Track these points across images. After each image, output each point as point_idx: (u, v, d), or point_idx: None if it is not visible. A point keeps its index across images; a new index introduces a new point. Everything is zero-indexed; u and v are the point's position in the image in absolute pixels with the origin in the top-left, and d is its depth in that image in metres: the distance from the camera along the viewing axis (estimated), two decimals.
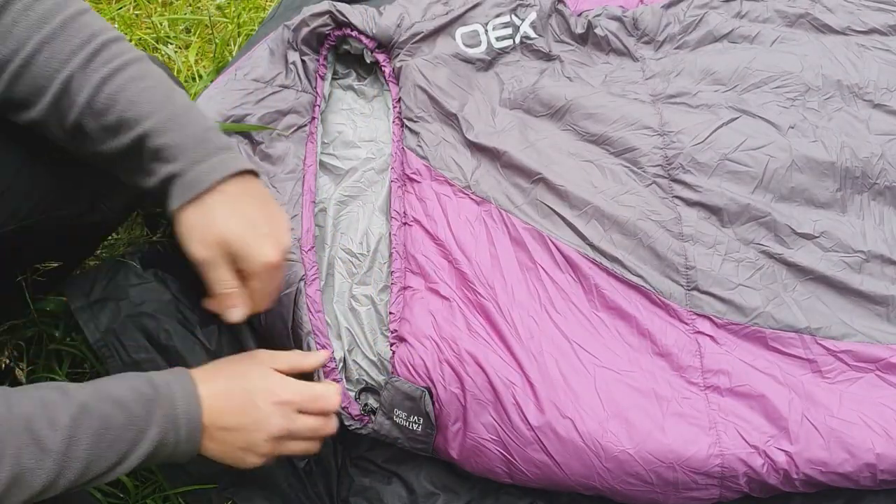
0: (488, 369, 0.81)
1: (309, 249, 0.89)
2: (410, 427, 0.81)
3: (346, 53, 1.06)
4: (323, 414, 0.76)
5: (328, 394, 0.76)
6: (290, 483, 0.86)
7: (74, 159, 0.71)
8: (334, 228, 0.97)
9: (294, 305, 0.85)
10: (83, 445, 0.61)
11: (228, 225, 0.68)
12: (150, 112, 0.66)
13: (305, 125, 0.99)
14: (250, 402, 0.71)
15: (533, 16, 1.05)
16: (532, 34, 1.05)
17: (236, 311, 0.73)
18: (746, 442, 0.79)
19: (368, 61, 1.05)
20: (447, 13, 1.05)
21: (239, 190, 0.69)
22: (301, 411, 0.74)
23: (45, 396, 0.61)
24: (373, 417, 0.84)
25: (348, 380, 0.87)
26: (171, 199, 0.68)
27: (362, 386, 0.87)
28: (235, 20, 1.36)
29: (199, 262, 0.70)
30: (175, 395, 0.67)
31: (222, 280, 0.71)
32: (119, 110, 0.66)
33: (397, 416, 0.82)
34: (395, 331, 0.86)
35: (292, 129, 0.98)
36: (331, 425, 0.77)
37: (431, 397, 0.81)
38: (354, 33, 1.03)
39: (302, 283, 0.85)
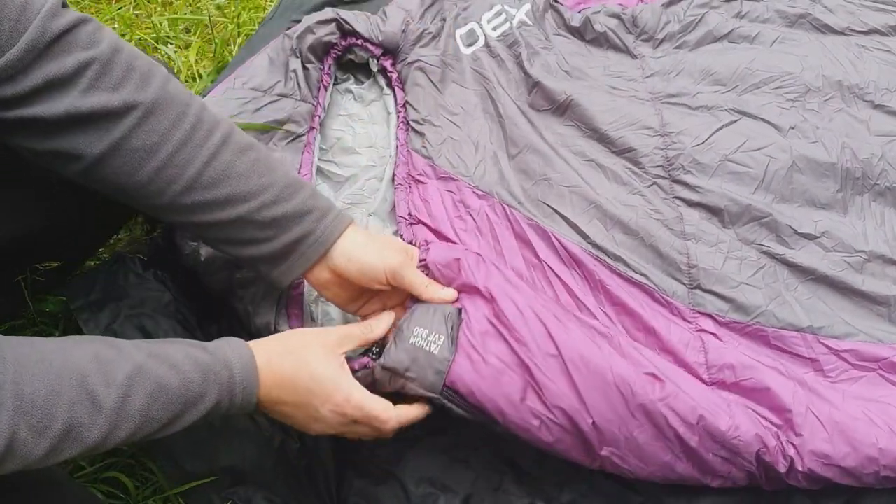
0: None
1: None
2: (428, 348, 0.76)
3: (349, 61, 1.06)
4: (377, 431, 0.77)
5: (385, 416, 0.75)
6: (290, 483, 0.86)
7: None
8: None
9: (277, 304, 0.85)
10: (137, 405, 0.61)
11: (382, 254, 0.77)
12: (265, 185, 0.72)
13: (303, 135, 0.98)
14: (310, 404, 0.72)
15: (527, 7, 1.05)
16: (528, 21, 1.05)
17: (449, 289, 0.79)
18: (760, 423, 0.78)
19: (375, 69, 1.05)
20: (445, 16, 1.05)
21: (356, 231, 0.78)
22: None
23: (99, 352, 0.61)
24: (375, 359, 0.79)
25: None
26: (299, 259, 0.75)
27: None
28: (235, 20, 1.36)
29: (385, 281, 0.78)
30: (231, 362, 0.68)
31: (418, 280, 0.78)
32: (231, 185, 0.71)
33: (415, 336, 0.77)
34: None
35: (289, 139, 0.98)
36: (385, 434, 0.78)
37: (460, 315, 0.77)
38: (360, 42, 1.03)
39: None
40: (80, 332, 0.87)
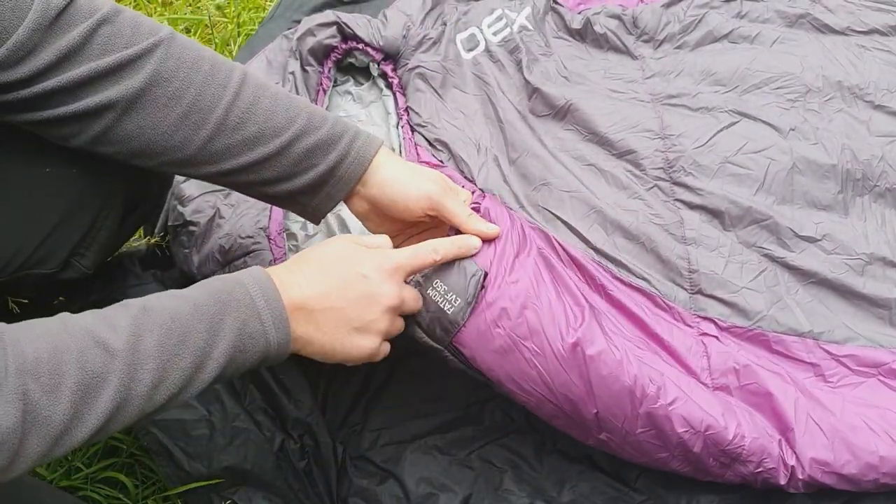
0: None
1: (277, 236, 0.89)
2: (443, 306, 0.73)
3: (349, 64, 1.06)
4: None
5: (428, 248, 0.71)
6: (290, 483, 0.86)
7: (51, 215, 0.73)
8: (340, 224, 0.97)
9: None
10: (151, 341, 0.56)
11: (419, 183, 0.74)
12: (291, 118, 0.70)
13: None
14: (352, 270, 0.67)
15: (527, 10, 1.05)
16: (529, 26, 1.05)
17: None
18: (765, 431, 0.78)
19: (375, 74, 1.05)
20: (446, 20, 1.05)
21: (391, 157, 0.76)
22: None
23: (102, 311, 0.58)
24: None
25: None
26: (338, 183, 0.73)
27: None
28: (235, 20, 1.36)
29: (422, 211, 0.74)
30: (241, 278, 0.63)
31: (459, 209, 0.75)
32: (259, 122, 0.69)
33: (434, 289, 0.74)
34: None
35: None
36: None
37: (484, 281, 0.74)
38: (361, 46, 1.03)
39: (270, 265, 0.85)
40: None
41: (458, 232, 0.76)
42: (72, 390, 0.52)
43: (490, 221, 0.76)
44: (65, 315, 0.56)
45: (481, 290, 0.73)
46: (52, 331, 0.54)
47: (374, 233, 0.79)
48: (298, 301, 0.64)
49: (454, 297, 0.73)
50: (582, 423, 0.77)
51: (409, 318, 0.74)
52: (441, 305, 0.73)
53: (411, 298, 0.71)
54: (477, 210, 0.77)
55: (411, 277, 0.74)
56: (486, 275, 0.73)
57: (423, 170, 0.77)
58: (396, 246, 0.79)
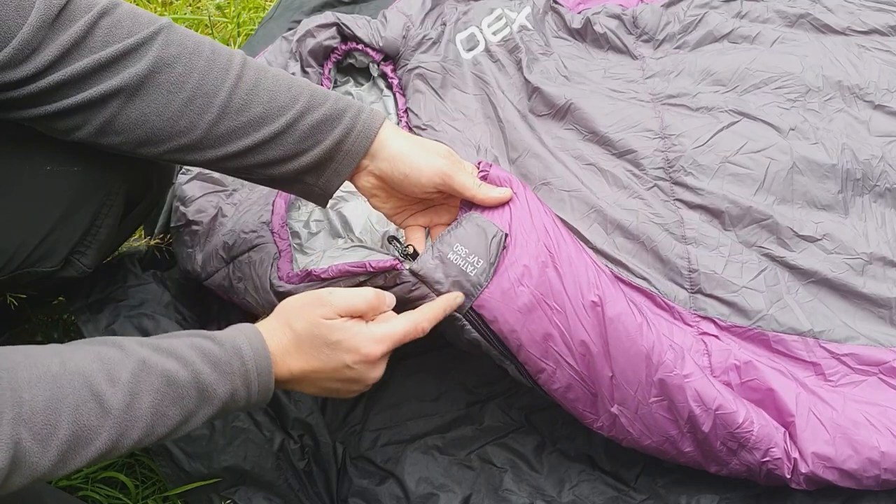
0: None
1: (280, 229, 0.89)
2: (465, 268, 0.73)
3: (349, 65, 1.06)
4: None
5: (421, 322, 0.71)
6: (290, 483, 0.86)
7: (52, 213, 0.74)
8: (342, 222, 0.97)
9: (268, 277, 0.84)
10: (145, 403, 0.58)
11: (428, 158, 0.74)
12: (294, 97, 0.70)
13: None
14: (341, 365, 0.68)
15: (527, 10, 1.05)
16: (529, 26, 1.05)
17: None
18: (771, 422, 0.79)
19: (375, 74, 1.05)
20: (445, 20, 1.05)
21: (397, 131, 0.76)
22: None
23: (101, 353, 0.59)
24: (404, 260, 0.76)
25: None
26: (344, 158, 0.73)
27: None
28: (235, 20, 1.36)
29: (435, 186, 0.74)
30: (241, 348, 0.64)
31: (470, 181, 0.75)
32: (262, 103, 0.69)
33: (455, 252, 0.73)
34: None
35: None
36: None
37: (505, 241, 0.74)
38: (361, 46, 1.03)
39: (276, 258, 0.85)
40: (80, 333, 0.87)
41: (470, 205, 0.76)
42: (62, 441, 0.54)
43: (500, 183, 0.77)
44: (65, 354, 0.57)
45: (503, 250, 0.73)
46: (50, 375, 0.55)
47: (379, 209, 0.79)
48: (286, 377, 0.68)
49: (476, 258, 0.73)
50: (597, 391, 0.77)
51: (426, 285, 0.73)
52: (463, 268, 0.73)
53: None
54: (485, 178, 0.77)
55: (429, 244, 0.75)
56: (506, 235, 0.74)
57: (432, 143, 0.77)
58: (400, 223, 0.80)
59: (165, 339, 0.63)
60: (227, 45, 1.33)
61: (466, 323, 0.75)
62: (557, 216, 0.90)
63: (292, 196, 0.94)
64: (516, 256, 0.74)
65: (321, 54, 1.03)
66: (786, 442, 0.78)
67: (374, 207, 0.80)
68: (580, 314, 0.74)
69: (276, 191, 0.93)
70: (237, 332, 0.66)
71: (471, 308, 0.74)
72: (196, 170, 0.98)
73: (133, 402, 0.58)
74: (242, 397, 0.64)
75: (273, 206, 0.92)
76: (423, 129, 0.98)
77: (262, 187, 0.94)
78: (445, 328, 0.76)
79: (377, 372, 0.70)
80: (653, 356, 0.75)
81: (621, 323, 0.75)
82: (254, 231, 0.88)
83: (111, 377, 0.57)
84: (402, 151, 0.74)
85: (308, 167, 0.72)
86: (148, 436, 0.59)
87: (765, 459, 0.78)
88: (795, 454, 0.78)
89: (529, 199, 0.78)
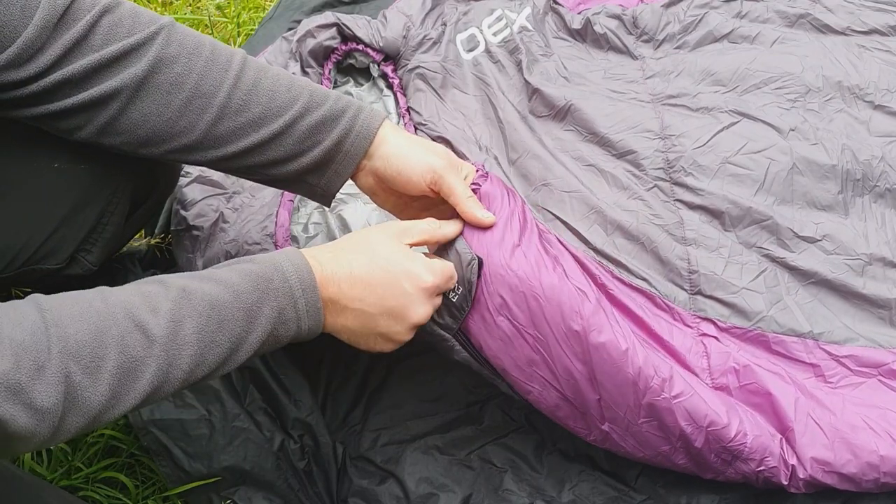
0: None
1: (284, 242, 0.89)
2: (447, 293, 0.74)
3: (349, 65, 1.07)
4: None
5: (453, 271, 0.72)
6: (290, 483, 0.86)
7: (58, 210, 0.74)
8: (341, 225, 0.97)
9: None
10: (189, 328, 0.57)
11: (424, 157, 0.74)
12: (294, 96, 0.70)
13: None
14: (395, 285, 0.67)
15: (527, 11, 1.05)
16: (529, 26, 1.05)
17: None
18: (766, 429, 0.78)
19: (375, 75, 1.05)
20: (446, 21, 1.05)
21: (396, 130, 0.75)
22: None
23: (143, 288, 0.58)
24: None
25: None
26: (344, 158, 0.73)
27: None
28: (235, 20, 1.36)
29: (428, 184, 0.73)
30: (281, 265, 0.63)
31: (460, 188, 0.74)
32: (262, 103, 0.69)
33: None
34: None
35: None
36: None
37: (480, 268, 0.74)
38: (361, 47, 1.03)
39: None
40: None
41: (456, 214, 0.75)
42: (111, 373, 0.53)
43: (489, 207, 0.76)
44: (104, 290, 0.57)
45: (478, 278, 0.73)
46: (93, 310, 0.54)
47: (382, 207, 0.80)
48: (335, 296, 0.65)
49: (457, 285, 0.73)
50: (585, 411, 0.77)
51: None
52: (447, 294, 0.74)
53: (430, 315, 0.71)
54: (476, 193, 0.77)
55: None
56: (481, 262, 0.73)
57: (430, 143, 0.77)
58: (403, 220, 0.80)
59: (207, 270, 0.63)
60: (227, 45, 1.33)
61: (456, 343, 0.76)
62: (557, 217, 0.91)
63: (294, 202, 0.94)
64: (495, 286, 0.73)
65: (321, 54, 1.03)
66: (782, 449, 0.78)
67: (378, 206, 0.80)
68: (563, 343, 0.74)
69: (279, 201, 0.93)
70: (277, 253, 0.65)
71: (458, 330, 0.75)
72: (196, 171, 0.98)
73: (177, 329, 0.56)
74: (292, 318, 0.63)
75: (277, 216, 0.92)
76: (424, 125, 0.99)
77: (263, 191, 0.94)
78: (437, 345, 0.77)
79: (425, 311, 0.69)
80: (639, 382, 0.75)
81: (606, 351, 0.74)
82: (257, 243, 0.89)
83: (153, 307, 0.56)
84: (398, 149, 0.74)
85: (309, 167, 0.73)
86: (199, 366, 0.58)
87: (760, 469, 0.77)
88: (793, 460, 0.78)
89: (517, 225, 0.76)
